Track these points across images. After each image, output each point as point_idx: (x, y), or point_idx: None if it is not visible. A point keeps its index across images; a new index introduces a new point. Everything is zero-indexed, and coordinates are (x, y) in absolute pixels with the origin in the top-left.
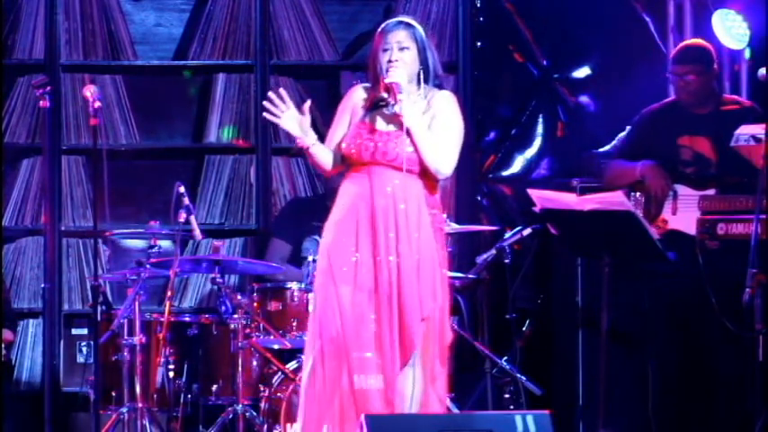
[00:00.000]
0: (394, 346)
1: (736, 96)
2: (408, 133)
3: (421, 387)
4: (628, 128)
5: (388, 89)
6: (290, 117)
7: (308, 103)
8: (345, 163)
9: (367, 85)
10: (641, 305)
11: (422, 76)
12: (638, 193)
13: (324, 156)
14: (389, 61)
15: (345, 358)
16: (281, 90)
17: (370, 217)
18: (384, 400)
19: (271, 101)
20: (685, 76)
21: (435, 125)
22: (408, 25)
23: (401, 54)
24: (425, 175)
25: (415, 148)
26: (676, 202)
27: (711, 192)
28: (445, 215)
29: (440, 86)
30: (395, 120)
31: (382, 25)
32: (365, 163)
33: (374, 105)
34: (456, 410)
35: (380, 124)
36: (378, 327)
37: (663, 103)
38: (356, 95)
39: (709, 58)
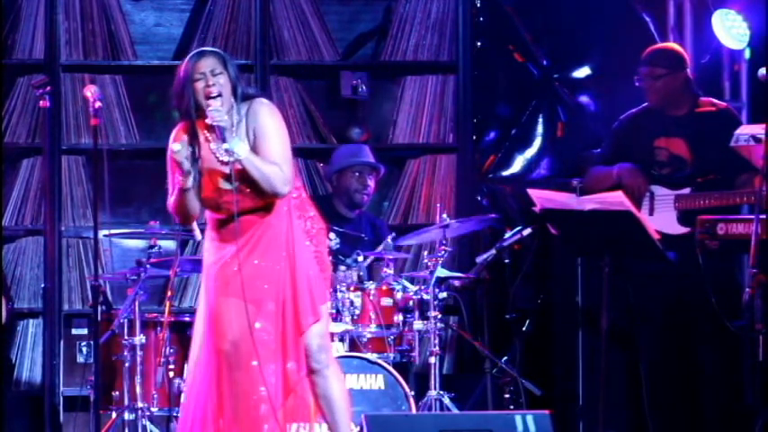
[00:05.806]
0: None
1: (712, 99)
2: (242, 168)
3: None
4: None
5: (211, 127)
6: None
7: (177, 146)
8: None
9: (179, 131)
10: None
11: (231, 98)
12: None
13: (194, 200)
14: (207, 87)
15: (238, 370)
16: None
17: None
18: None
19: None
20: (651, 78)
21: (259, 143)
22: (213, 52)
23: (216, 79)
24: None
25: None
26: (653, 202)
27: (687, 191)
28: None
29: (251, 96)
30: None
31: (188, 56)
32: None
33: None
34: (456, 410)
35: (222, 183)
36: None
37: (640, 108)
38: (180, 141)
39: (676, 60)
